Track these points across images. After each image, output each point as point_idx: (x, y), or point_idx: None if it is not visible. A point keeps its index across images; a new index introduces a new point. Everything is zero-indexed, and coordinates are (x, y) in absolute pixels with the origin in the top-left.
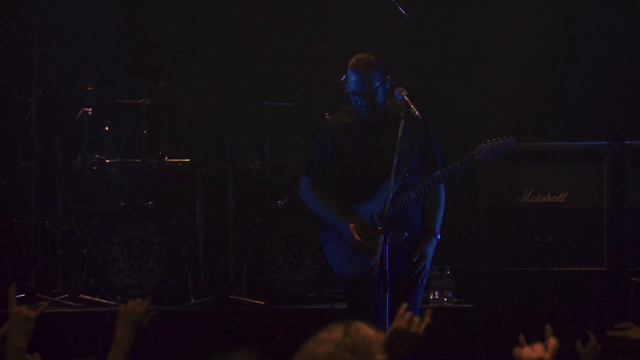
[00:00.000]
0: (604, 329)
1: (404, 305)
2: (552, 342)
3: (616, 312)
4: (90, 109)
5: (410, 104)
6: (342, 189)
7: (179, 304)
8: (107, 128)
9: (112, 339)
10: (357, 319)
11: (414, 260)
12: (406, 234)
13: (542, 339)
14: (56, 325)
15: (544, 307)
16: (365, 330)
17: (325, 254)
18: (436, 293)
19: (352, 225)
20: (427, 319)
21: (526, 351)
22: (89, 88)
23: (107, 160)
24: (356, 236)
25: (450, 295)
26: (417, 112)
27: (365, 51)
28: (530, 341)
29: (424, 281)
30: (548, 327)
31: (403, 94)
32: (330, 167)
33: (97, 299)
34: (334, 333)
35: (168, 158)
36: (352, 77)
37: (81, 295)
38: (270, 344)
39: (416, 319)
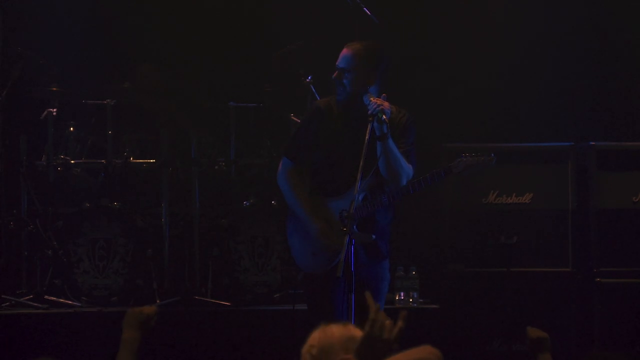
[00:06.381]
0: (569, 329)
1: (374, 310)
2: None
3: (580, 312)
4: (54, 110)
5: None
6: (316, 181)
7: (144, 305)
8: (71, 129)
9: (76, 339)
10: (315, 316)
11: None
12: (374, 236)
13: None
14: (20, 326)
15: (509, 308)
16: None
17: (289, 244)
18: (402, 294)
19: (319, 227)
20: (400, 323)
21: None
22: (54, 88)
23: (72, 161)
24: (323, 239)
25: (415, 296)
26: (384, 116)
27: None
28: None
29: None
30: None
31: (371, 98)
32: (311, 150)
33: (62, 300)
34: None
35: (133, 159)
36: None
37: (46, 297)
38: (236, 345)
39: (388, 323)
